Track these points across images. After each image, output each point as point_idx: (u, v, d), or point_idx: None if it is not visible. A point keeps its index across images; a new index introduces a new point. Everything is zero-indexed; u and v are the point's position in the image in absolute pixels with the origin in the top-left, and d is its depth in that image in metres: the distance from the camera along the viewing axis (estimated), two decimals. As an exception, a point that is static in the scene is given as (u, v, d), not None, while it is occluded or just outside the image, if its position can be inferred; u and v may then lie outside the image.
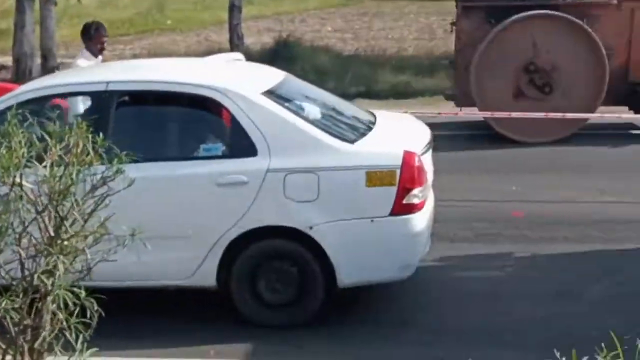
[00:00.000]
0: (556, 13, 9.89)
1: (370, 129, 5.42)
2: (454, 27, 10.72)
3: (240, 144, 5.10)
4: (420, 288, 5.70)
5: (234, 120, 5.12)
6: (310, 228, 4.98)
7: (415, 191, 5.00)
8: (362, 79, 13.83)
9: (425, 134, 5.56)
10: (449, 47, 16.82)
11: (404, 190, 4.96)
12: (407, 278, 5.22)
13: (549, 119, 9.36)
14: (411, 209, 5.02)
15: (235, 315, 5.18)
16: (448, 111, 10.65)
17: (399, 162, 4.97)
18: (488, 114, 9.96)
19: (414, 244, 5.12)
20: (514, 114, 9.54)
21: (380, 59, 15.55)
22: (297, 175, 4.99)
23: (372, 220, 4.99)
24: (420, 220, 5.11)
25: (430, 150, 5.49)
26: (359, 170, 4.98)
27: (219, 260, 5.07)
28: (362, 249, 5.05)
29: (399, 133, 5.57)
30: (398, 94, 13.09)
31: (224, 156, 5.16)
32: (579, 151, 9.58)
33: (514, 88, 10.02)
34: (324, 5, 26.17)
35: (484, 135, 10.22)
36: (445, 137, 9.88)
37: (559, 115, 9.27)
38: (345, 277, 5.06)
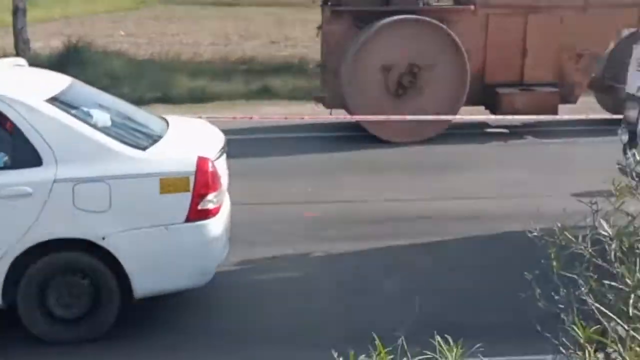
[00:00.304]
0: (423, 18, 10.32)
1: (162, 135, 5.33)
2: (319, 32, 10.99)
3: (24, 154, 4.84)
4: (220, 293, 5.69)
5: (15, 129, 4.85)
6: (103, 239, 4.83)
7: (210, 196, 4.99)
8: (157, 84, 13.58)
9: (219, 139, 5.55)
10: (244, 52, 17.00)
11: (199, 196, 4.93)
12: (206, 284, 5.20)
13: (417, 120, 9.86)
14: (207, 214, 5.00)
15: (25, 333, 4.92)
16: (243, 115, 10.74)
17: (193, 168, 4.94)
18: (297, 117, 10.42)
19: (211, 250, 5.11)
20: (308, 117, 9.79)
21: (175, 63, 15.36)
22: (86, 185, 4.82)
23: (167, 228, 4.92)
24: (217, 226, 5.10)
25: (225, 155, 5.50)
26: (151, 178, 4.89)
27: (4, 276, 4.80)
28: (158, 257, 4.97)
29: (192, 138, 5.53)
30: (194, 99, 13.00)
31: (5, 167, 4.87)
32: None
33: (384, 87, 10.33)
34: (115, 9, 25.45)
35: (346, 137, 10.47)
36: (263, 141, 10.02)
37: (421, 117, 9.86)
38: (142, 287, 4.95)
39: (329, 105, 10.77)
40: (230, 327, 5.28)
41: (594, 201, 3.15)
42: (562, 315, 2.84)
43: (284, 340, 5.06)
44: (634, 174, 3.22)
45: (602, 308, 2.64)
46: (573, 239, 3.04)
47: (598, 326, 2.56)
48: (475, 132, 10.76)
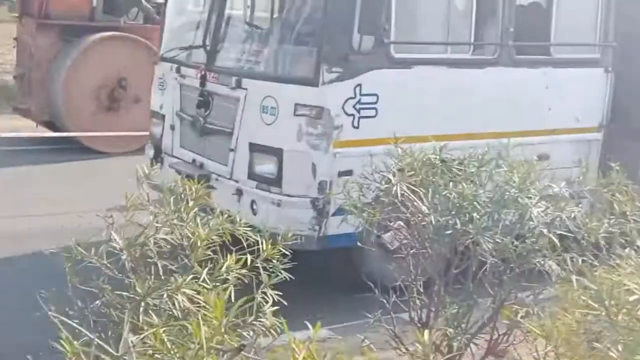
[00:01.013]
0: (130, 35, 10.74)
1: None
2: (16, 42, 11.31)
3: None
4: None
5: None
6: None
7: None
8: None
9: None
10: None
11: None
12: None
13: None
14: None
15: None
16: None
17: None
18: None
19: None
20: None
21: None
22: None
23: None
24: None
25: None
26: None
27: None
28: None
29: None
30: None
31: None
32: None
33: (97, 99, 10.66)
34: None
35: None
36: None
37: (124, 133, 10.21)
38: None
39: (36, 117, 10.82)
40: None
41: (109, 215, 3.23)
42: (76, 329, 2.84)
43: None
44: (144, 186, 3.35)
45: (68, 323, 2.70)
46: (86, 253, 3.06)
47: (86, 338, 2.61)
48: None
